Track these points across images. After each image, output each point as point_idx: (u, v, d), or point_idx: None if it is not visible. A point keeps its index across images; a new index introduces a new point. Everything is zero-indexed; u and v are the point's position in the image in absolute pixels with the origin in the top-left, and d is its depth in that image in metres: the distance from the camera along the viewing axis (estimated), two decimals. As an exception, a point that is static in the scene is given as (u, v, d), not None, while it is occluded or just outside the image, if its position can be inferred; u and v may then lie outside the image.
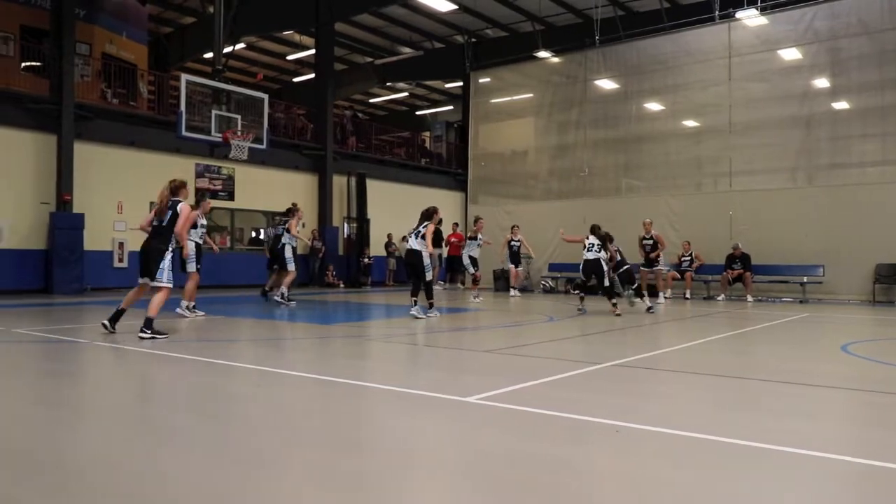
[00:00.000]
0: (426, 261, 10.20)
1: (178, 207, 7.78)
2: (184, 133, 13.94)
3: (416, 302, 10.26)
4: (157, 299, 7.61)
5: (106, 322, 7.75)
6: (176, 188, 7.90)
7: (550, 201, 21.23)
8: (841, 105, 17.26)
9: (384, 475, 3.02)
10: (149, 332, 7.38)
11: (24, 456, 3.26)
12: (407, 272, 11.33)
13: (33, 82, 16.62)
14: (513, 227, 16.99)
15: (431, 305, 10.41)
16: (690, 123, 19.67)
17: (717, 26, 18.58)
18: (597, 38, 20.40)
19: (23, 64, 17.61)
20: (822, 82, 17.52)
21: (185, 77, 14.36)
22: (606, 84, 20.99)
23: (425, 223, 10.32)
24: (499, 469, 3.11)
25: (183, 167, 17.40)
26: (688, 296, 16.16)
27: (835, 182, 16.88)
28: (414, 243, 10.31)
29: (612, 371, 5.81)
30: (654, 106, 20.41)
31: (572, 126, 21.51)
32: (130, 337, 7.47)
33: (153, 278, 7.71)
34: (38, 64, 17.53)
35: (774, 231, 16.59)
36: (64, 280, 14.81)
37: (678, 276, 16.48)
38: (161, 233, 7.76)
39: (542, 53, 21.70)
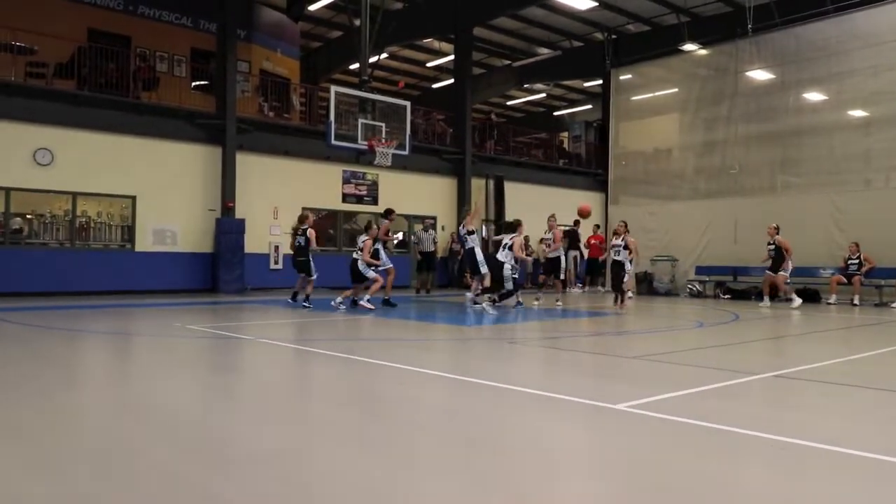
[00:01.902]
0: (506, 272, 11.44)
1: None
2: (333, 142, 14.66)
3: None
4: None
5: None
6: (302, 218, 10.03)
7: (697, 201, 20.23)
8: None
9: (530, 478, 3.01)
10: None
11: (196, 441, 3.59)
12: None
13: (201, 99, 18.25)
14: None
15: (494, 301, 11.37)
16: (858, 113, 17.97)
17: (891, 5, 16.84)
18: (749, 26, 19.14)
19: (193, 83, 19.38)
20: None
21: (334, 89, 15.10)
22: (760, 75, 19.66)
23: (511, 235, 11.52)
24: (648, 480, 3.00)
25: (331, 174, 18.40)
26: (856, 302, 14.75)
27: None
28: (500, 255, 11.49)
29: (771, 382, 5.43)
30: (814, 96, 18.85)
31: (721, 121, 20.35)
32: (284, 334, 7.96)
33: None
34: (205, 83, 19.22)
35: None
36: (227, 280, 16.11)
37: (844, 280, 15.10)
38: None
39: (688, 46, 20.73)
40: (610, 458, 3.42)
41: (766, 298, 14.51)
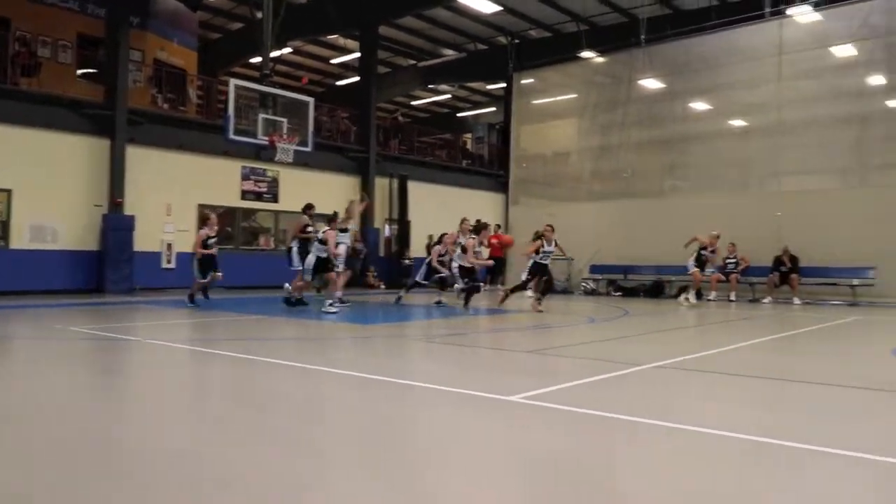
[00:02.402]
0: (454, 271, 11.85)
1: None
2: (231, 136, 14.24)
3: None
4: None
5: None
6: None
7: (593, 202, 21.06)
8: (896, 103, 16.70)
9: (426, 470, 3.06)
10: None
11: (79, 443, 3.41)
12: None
13: (88, 88, 17.22)
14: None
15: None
16: (738, 123, 19.27)
17: (768, 23, 18.16)
18: (642, 37, 20.14)
19: (79, 71, 18.26)
20: (877, 79, 16.99)
21: (233, 82, 14.68)
22: (652, 84, 20.71)
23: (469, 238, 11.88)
24: (540, 467, 3.12)
25: (230, 170, 17.82)
26: (733, 298, 15.83)
27: (888, 182, 16.34)
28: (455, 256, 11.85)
29: (653, 372, 5.75)
30: (700, 105, 20.06)
31: (616, 127, 21.29)
32: (177, 335, 7.68)
33: None
34: (94, 70, 18.15)
35: (824, 232, 16.11)
36: (115, 280, 15.27)
37: (723, 277, 16.15)
38: None
39: (586, 54, 21.53)
40: (505, 447, 3.53)
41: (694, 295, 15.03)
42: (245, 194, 18.20)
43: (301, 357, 6.59)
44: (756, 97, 18.53)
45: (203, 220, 11.95)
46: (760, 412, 4.41)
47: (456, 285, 12.50)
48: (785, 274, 15.63)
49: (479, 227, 11.74)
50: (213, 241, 11.84)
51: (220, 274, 11.84)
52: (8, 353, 7.10)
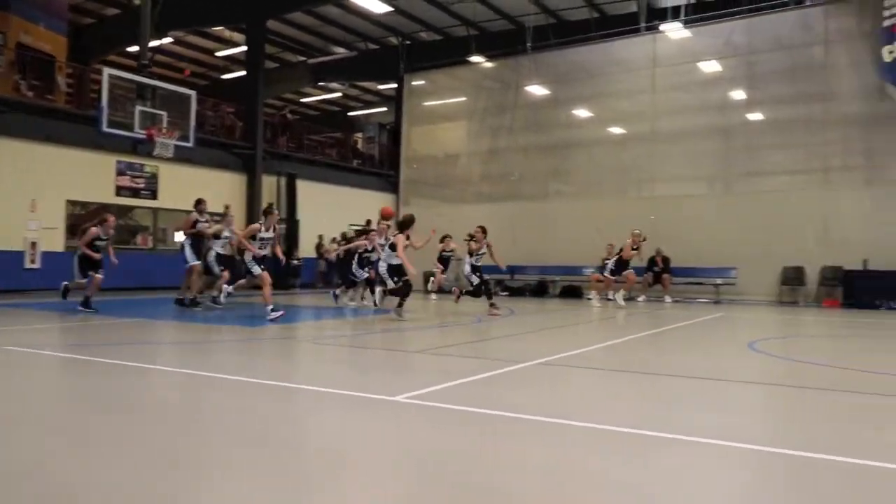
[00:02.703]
0: (381, 270, 10.54)
1: None
2: (105, 129, 13.43)
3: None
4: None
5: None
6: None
7: (481, 204, 21.51)
8: (755, 116, 18.20)
9: (312, 474, 3.04)
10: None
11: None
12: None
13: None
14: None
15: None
16: (617, 131, 20.31)
17: (643, 38, 19.27)
18: (528, 44, 20.81)
19: (-71, 52, 16.60)
20: (738, 94, 18.42)
21: (107, 71, 13.86)
22: (537, 90, 21.43)
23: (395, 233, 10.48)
24: (424, 465, 3.17)
25: (103, 164, 16.75)
26: (611, 297, 16.66)
27: (749, 189, 17.78)
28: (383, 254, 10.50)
29: (536, 369, 5.97)
30: (582, 113, 20.97)
31: (504, 131, 21.86)
32: (43, 340, 7.17)
33: None
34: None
35: (693, 235, 17.33)
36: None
37: (602, 277, 16.98)
38: None
39: (476, 58, 21.96)
40: (387, 447, 3.55)
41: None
42: (120, 190, 17.17)
43: (181, 362, 6.33)
44: (633, 107, 19.62)
45: (99, 220, 10.98)
46: (631, 404, 4.69)
47: (378, 288, 12.17)
48: (658, 274, 16.66)
49: (407, 222, 10.66)
50: (103, 243, 10.87)
51: (100, 276, 10.97)
52: None
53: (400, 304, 10.38)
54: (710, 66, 18.52)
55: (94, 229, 10.74)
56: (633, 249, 14.61)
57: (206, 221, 11.79)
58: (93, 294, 10.73)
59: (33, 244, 15.23)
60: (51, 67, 19.28)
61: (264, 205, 20.73)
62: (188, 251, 11.63)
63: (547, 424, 3.91)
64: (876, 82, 15.90)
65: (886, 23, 15.32)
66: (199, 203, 12.03)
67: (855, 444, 3.57)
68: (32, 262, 15.23)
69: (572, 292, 17.90)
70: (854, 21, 16.87)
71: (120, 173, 17.14)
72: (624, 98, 19.77)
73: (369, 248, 12.57)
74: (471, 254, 12.10)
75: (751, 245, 16.64)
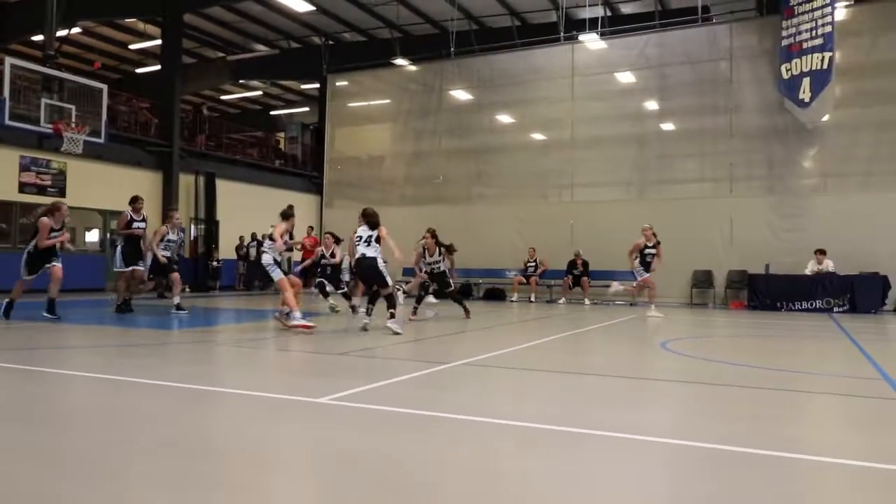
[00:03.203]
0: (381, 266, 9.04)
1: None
2: (7, 122, 12.69)
3: (391, 315, 8.79)
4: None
5: None
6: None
7: (406, 207, 21.56)
8: (667, 126, 19.06)
9: (235, 478, 3.01)
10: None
11: None
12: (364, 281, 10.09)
13: None
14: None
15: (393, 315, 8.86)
16: (538, 137, 20.81)
17: (562, 47, 19.84)
18: (452, 49, 21.04)
19: None
20: (651, 104, 19.24)
21: (9, 60, 13.11)
22: (461, 95, 21.69)
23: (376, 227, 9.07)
24: (348, 466, 3.20)
25: (5, 159, 15.80)
26: (532, 299, 17.08)
27: (661, 196, 18.59)
28: (368, 250, 8.93)
29: (460, 370, 6.07)
30: (505, 118, 21.37)
31: (428, 134, 22.01)
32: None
33: None
34: None
35: (610, 239, 17.94)
36: None
37: (524, 280, 17.37)
38: None
39: (400, 61, 22.01)
40: (311, 449, 3.55)
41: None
42: (24, 187, 16.23)
43: (93, 367, 6.08)
44: (553, 113, 20.15)
45: (49, 210, 9.87)
46: (546, 402, 4.86)
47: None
48: (577, 277, 17.18)
49: (287, 213, 9.82)
50: (56, 234, 9.78)
51: (59, 266, 9.85)
52: None
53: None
54: (626, 77, 19.26)
55: (45, 220, 9.63)
56: (649, 247, 13.18)
57: (143, 221, 11.06)
58: (55, 292, 9.80)
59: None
60: (-55, 55, 18.03)
61: (181, 205, 20.13)
62: (118, 256, 10.86)
63: (470, 423, 4.01)
64: (776, 97, 16.97)
65: (785, 42, 16.38)
66: (134, 201, 11.17)
67: (759, 437, 3.84)
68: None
69: (496, 294, 18.23)
70: (756, 39, 17.96)
71: (24, 169, 16.19)
72: (545, 105, 20.28)
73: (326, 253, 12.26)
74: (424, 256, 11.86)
75: (664, 249, 17.35)
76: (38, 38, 19.02)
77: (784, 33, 16.40)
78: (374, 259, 8.89)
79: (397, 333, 8.47)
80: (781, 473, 3.15)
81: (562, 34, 19.81)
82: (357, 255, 8.99)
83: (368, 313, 9.18)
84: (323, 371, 6.23)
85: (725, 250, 17.10)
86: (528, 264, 17.74)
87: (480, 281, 18.76)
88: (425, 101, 22.23)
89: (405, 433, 3.82)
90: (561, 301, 16.98)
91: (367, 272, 9.07)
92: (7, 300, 9.66)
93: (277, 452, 3.49)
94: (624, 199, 19.22)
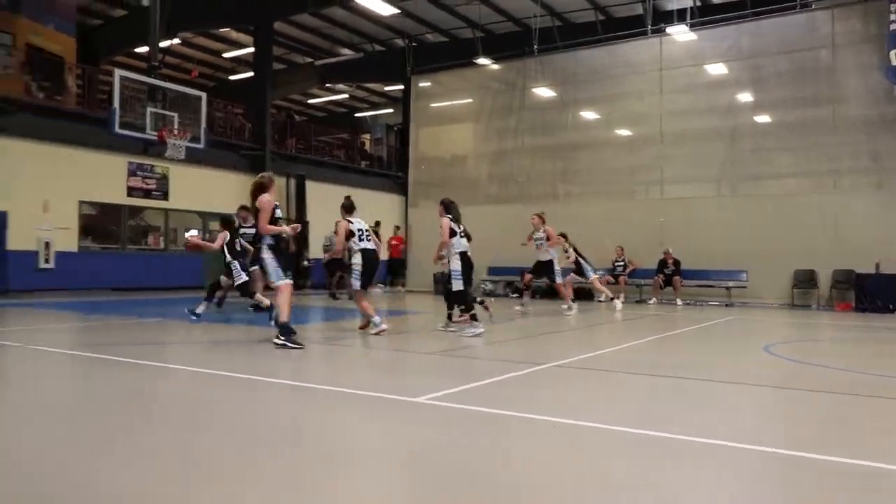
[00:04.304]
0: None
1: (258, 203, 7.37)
2: (117, 130, 13.49)
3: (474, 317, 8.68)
4: (280, 301, 7.27)
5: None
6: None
7: (490, 206, 21.55)
8: (762, 119, 18.20)
9: (327, 473, 3.09)
10: (281, 339, 7.09)
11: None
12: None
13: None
14: None
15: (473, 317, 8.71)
16: (624, 132, 20.33)
17: (649, 40, 19.30)
18: (535, 46, 20.85)
19: (-60, 53, 16.70)
20: (745, 97, 18.43)
21: (118, 72, 13.93)
22: (544, 92, 21.47)
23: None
24: (446, 466, 3.22)
25: (115, 165, 16.84)
26: (621, 299, 16.69)
27: (756, 192, 17.79)
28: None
29: (553, 371, 6.02)
30: (589, 115, 21.00)
31: (511, 132, 21.91)
32: (61, 340, 7.23)
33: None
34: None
35: (702, 237, 17.35)
36: (-16, 281, 14.10)
37: (612, 279, 17.01)
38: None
39: (482, 60, 22.00)
40: (411, 449, 3.60)
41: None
42: (132, 191, 17.25)
43: (196, 361, 6.38)
44: (640, 108, 19.63)
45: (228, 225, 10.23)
46: (641, 406, 4.73)
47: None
48: (669, 276, 16.67)
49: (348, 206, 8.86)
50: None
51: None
52: None
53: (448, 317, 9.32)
54: (717, 69, 18.54)
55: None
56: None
57: (251, 227, 10.31)
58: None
59: (47, 244, 15.31)
60: (60, 68, 19.37)
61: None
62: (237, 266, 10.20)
63: (565, 426, 3.96)
64: (883, 85, 15.90)
65: (893, 26, 15.32)
66: (244, 209, 11.24)
67: (868, 447, 3.62)
68: (46, 261, 15.30)
69: (582, 294, 17.85)
70: (860, 24, 16.87)
71: (131, 174, 17.23)
72: (631, 100, 19.80)
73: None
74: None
75: (761, 248, 16.62)
76: (142, 49, 20.20)
77: (892, 17, 15.34)
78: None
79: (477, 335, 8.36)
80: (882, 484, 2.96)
81: (649, 27, 19.27)
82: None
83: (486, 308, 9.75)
84: (417, 370, 6.32)
85: (829, 249, 16.16)
86: (616, 263, 17.35)
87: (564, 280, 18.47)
88: (508, 100, 22.14)
89: (501, 435, 3.81)
90: (651, 301, 16.53)
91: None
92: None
93: (378, 451, 3.55)
94: (715, 194, 18.50)
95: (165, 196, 17.93)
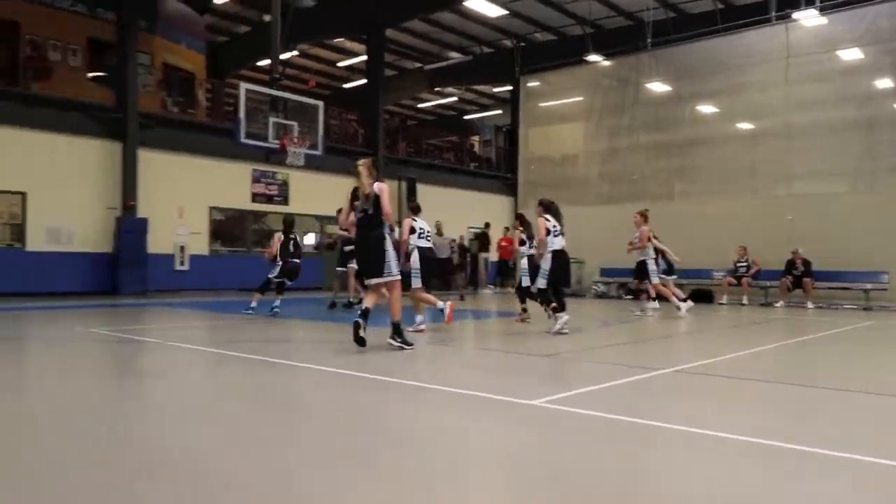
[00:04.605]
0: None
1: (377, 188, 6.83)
2: (243, 140, 14.31)
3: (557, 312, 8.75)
4: (394, 297, 6.97)
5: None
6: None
7: (602, 206, 21.10)
8: (905, 107, 16.72)
9: (457, 473, 3.11)
10: (398, 339, 6.91)
11: (115, 445, 3.47)
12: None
13: (99, 92, 17.32)
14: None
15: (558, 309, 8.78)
16: (746, 126, 19.30)
17: (774, 27, 18.22)
18: (648, 40, 20.21)
19: (89, 74, 18.38)
20: (884, 83, 17.00)
21: (244, 86, 14.76)
22: (658, 87, 20.76)
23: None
24: (562, 470, 3.16)
25: (240, 173, 17.92)
26: (745, 302, 15.82)
27: (899, 187, 16.36)
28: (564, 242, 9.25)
29: (673, 377, 5.79)
30: (707, 109, 20.09)
31: (623, 130, 21.35)
32: (196, 337, 7.72)
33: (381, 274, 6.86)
34: (104, 74, 18.27)
35: (836, 236, 16.11)
36: (129, 282, 15.38)
37: (734, 281, 16.17)
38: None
39: (593, 57, 21.58)
40: (532, 452, 3.56)
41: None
42: (255, 197, 18.30)
43: (317, 359, 6.63)
44: (764, 100, 18.56)
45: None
46: (784, 419, 4.44)
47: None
48: (798, 277, 15.59)
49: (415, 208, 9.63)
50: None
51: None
52: (32, 354, 7.17)
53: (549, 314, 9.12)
54: (851, 54, 17.22)
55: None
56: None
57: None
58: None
59: (182, 248, 16.51)
60: (192, 84, 20.83)
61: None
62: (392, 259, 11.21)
63: (687, 434, 3.78)
64: None
65: None
66: (340, 213, 11.89)
67: None
68: (182, 264, 16.51)
69: (702, 296, 17.05)
70: None
71: (255, 181, 18.28)
72: (754, 91, 18.76)
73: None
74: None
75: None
76: (263, 62, 21.30)
77: None
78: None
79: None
80: None
81: (773, 13, 18.18)
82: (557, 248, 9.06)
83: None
84: (531, 372, 6.25)
85: None
86: (739, 264, 16.42)
87: (684, 282, 17.71)
88: (620, 97, 21.58)
89: (620, 441, 3.70)
90: (778, 304, 15.53)
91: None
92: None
93: (495, 453, 3.54)
94: (850, 190, 17.17)
95: (286, 201, 18.85)
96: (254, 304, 10.64)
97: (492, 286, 20.36)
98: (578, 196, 22.29)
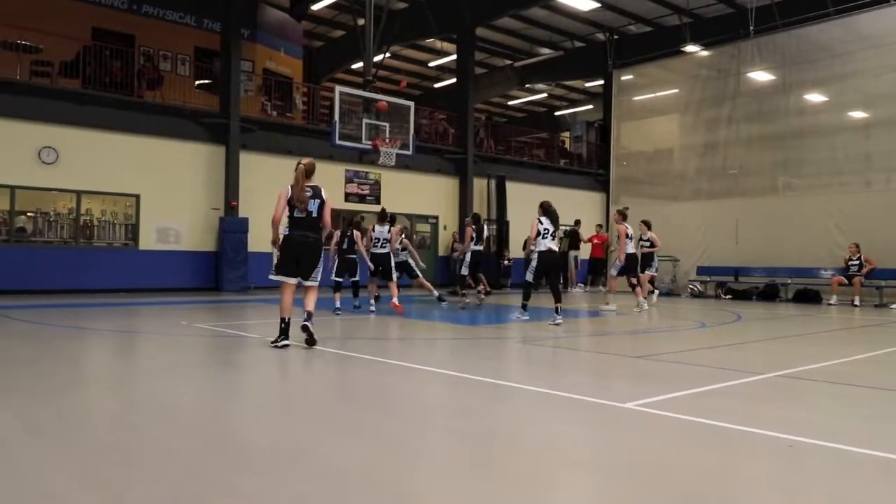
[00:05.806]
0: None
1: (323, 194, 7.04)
2: (338, 142, 14.71)
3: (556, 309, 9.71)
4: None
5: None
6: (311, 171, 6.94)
7: (699, 201, 20.31)
8: None
9: (544, 475, 3.08)
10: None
11: (215, 437, 3.66)
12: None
13: (205, 98, 18.30)
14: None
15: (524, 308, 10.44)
16: (859, 115, 18.06)
17: (890, 8, 16.93)
18: (751, 28, 19.24)
19: (196, 82, 19.44)
20: None
21: (338, 89, 15.15)
22: (761, 76, 19.76)
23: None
24: (658, 476, 3.07)
25: (334, 173, 18.44)
26: (857, 303, 14.83)
27: None
28: (552, 244, 9.73)
29: (775, 381, 5.50)
30: (816, 97, 18.94)
31: (723, 122, 20.45)
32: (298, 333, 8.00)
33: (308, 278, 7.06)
34: (209, 82, 19.28)
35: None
36: (231, 279, 16.18)
37: (845, 281, 15.19)
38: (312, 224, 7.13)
39: (690, 48, 20.79)
40: (622, 455, 3.49)
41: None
42: (348, 196, 18.81)
43: (401, 356, 6.74)
44: (879, 87, 17.32)
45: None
46: (881, 426, 4.14)
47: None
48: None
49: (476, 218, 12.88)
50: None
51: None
52: (143, 348, 7.68)
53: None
54: (985, 32, 15.77)
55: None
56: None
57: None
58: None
59: (279, 247, 17.16)
60: (289, 89, 21.64)
61: (475, 207, 21.51)
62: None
63: (784, 441, 3.58)
64: None
65: None
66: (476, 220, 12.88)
67: None
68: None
69: (808, 297, 16.13)
70: None
71: (348, 181, 18.78)
72: (867, 78, 17.52)
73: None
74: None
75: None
76: (356, 65, 21.81)
77: None
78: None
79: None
80: None
81: (890, -7, 16.91)
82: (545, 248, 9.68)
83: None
84: (622, 374, 6.11)
85: None
86: (851, 263, 15.40)
87: (789, 281, 16.79)
88: (719, 87, 20.68)
89: (717, 448, 3.55)
90: (894, 306, 14.47)
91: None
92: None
93: (584, 455, 3.49)
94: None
95: (377, 200, 19.25)
96: (337, 304, 10.99)
97: (581, 285, 20.01)
98: (673, 192, 21.57)
